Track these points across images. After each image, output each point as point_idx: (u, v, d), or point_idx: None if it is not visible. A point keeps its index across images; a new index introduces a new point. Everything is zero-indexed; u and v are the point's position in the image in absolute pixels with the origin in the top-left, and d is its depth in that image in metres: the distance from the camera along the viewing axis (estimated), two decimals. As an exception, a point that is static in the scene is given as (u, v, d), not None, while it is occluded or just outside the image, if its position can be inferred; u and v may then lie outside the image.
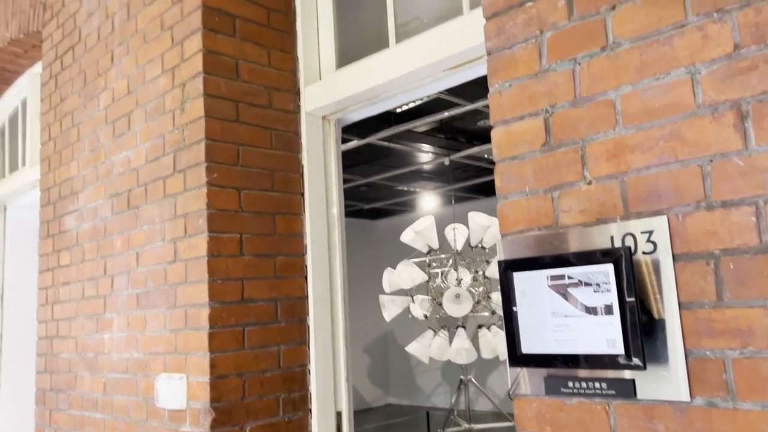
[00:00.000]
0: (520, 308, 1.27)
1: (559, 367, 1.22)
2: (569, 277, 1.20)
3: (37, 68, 3.92)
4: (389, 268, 6.41)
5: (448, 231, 6.52)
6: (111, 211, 2.46)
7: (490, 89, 1.40)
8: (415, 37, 2.00)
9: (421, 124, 6.11)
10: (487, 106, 1.42)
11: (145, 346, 2.17)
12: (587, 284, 1.17)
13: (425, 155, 7.45)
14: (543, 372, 1.25)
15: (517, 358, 1.28)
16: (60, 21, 2.98)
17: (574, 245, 1.22)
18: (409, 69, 1.97)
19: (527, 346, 1.26)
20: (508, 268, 1.29)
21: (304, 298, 2.20)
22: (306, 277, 2.21)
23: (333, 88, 2.23)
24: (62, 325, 2.73)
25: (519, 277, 1.27)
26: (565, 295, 1.20)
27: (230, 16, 2.15)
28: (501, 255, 1.35)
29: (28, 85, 3.97)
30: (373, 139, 6.44)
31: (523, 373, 1.29)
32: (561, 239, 1.25)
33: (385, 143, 6.74)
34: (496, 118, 1.38)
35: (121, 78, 2.47)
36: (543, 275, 1.23)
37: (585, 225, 1.22)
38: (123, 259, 2.35)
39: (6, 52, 3.66)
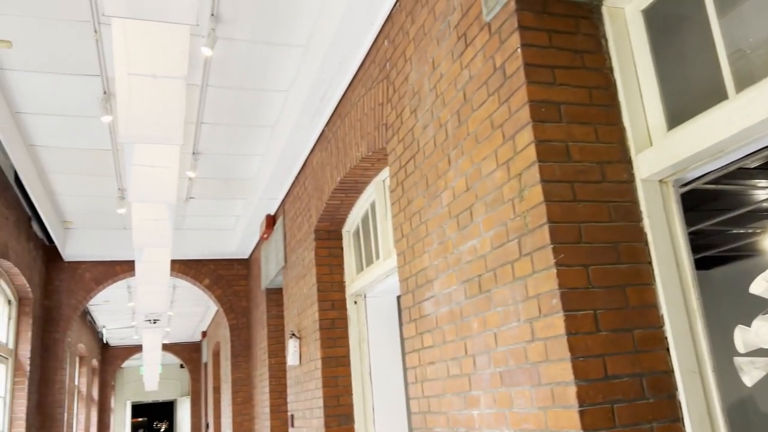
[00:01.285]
0: None
1: None
2: None
3: (381, 176, 4.62)
4: (741, 325, 5.64)
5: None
6: (464, 296, 2.72)
7: None
8: (759, 83, 1.87)
9: (753, 160, 5.42)
10: None
11: (515, 423, 2.30)
12: None
13: (762, 192, 6.54)
14: None
15: None
16: (400, 136, 3.50)
17: None
18: (757, 119, 1.84)
19: None
20: None
21: (670, 372, 2.11)
22: (668, 350, 2.13)
23: (667, 151, 2.18)
24: (432, 401, 3.06)
25: None
26: None
27: (554, 104, 2.30)
28: None
29: (375, 191, 4.69)
30: (697, 184, 5.92)
31: None
32: None
33: (712, 186, 6.13)
34: None
35: (459, 177, 2.79)
36: None
37: None
38: (481, 340, 2.57)
39: (358, 168, 4.40)
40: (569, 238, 2.16)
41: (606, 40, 2.43)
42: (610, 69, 2.40)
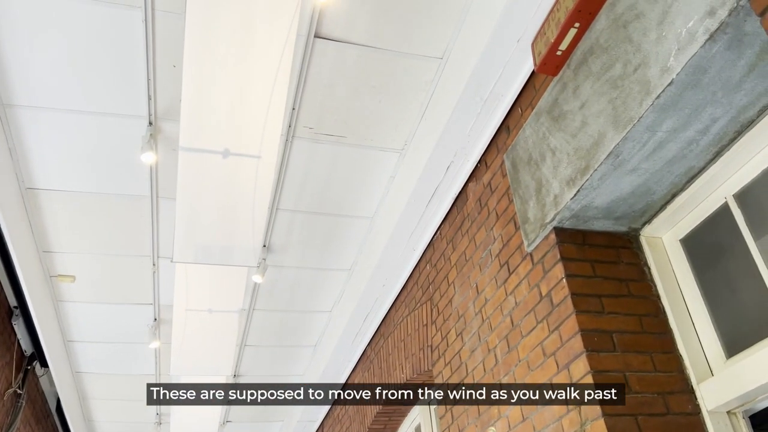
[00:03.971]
0: None
1: None
2: None
3: (426, 399, 4.48)
4: None
5: None
6: None
7: None
8: (815, 312, 1.86)
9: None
10: None
11: None
12: None
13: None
14: None
15: None
16: (447, 359, 3.47)
17: None
18: (822, 348, 1.80)
19: None
20: None
21: None
22: None
23: (731, 381, 2.11)
24: None
25: None
26: None
27: (606, 333, 2.29)
28: None
29: (419, 414, 4.52)
30: None
31: None
32: None
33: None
34: None
35: (514, 406, 2.69)
36: None
37: None
38: None
39: (404, 390, 4.31)
40: (642, 479, 2.01)
41: (649, 268, 2.50)
42: (658, 296, 2.43)
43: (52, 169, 3.57)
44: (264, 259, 4.31)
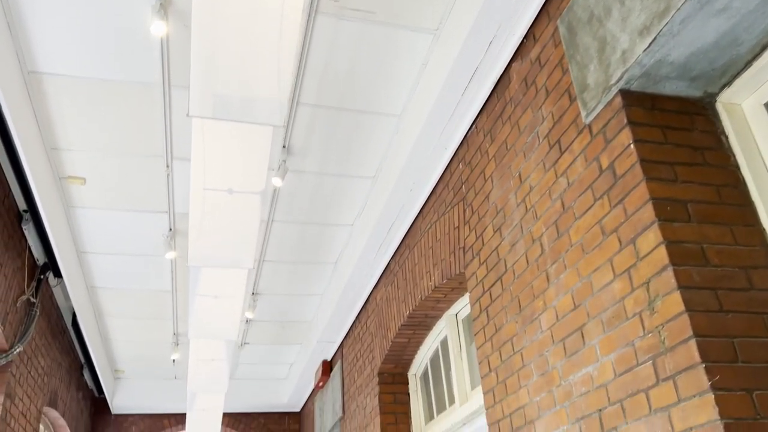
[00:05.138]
0: None
1: None
2: None
3: (453, 309, 4.28)
4: None
5: None
6: (580, 437, 2.27)
7: None
8: None
9: None
10: None
11: None
12: None
13: None
14: None
15: None
16: (482, 258, 3.24)
17: None
18: None
19: None
20: None
21: None
22: None
23: (829, 250, 1.84)
24: None
25: None
26: None
27: (680, 202, 2.02)
28: None
29: (447, 325, 4.33)
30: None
31: None
32: None
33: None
34: None
35: (563, 294, 2.46)
36: None
37: None
38: (611, 492, 2.08)
39: (430, 299, 4.10)
40: (723, 356, 1.77)
41: (726, 137, 2.20)
42: (737, 166, 2.14)
43: (55, 50, 3.28)
44: (284, 161, 4.05)
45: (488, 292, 3.14)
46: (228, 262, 3.00)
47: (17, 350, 4.28)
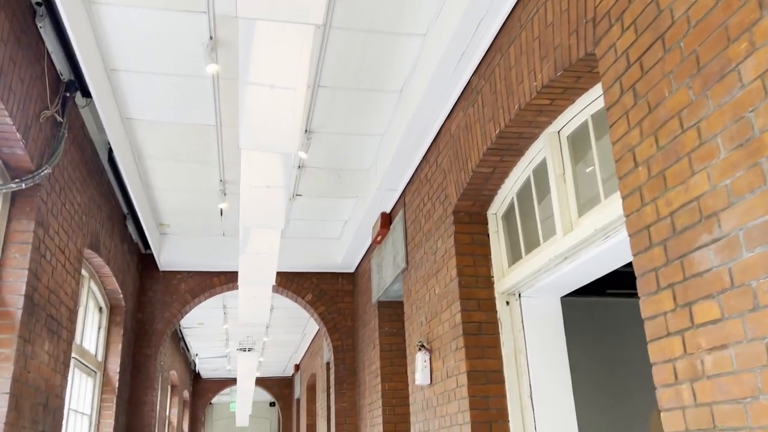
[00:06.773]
0: None
1: None
2: None
3: (556, 126, 3.50)
4: None
5: None
6: (820, 216, 1.53)
7: None
8: None
9: None
10: None
11: None
12: None
13: None
14: None
15: None
16: (626, 23, 2.40)
17: None
18: None
19: None
20: None
21: None
22: None
23: None
24: (721, 410, 1.84)
25: None
26: None
27: None
28: None
29: (547, 145, 3.56)
30: None
31: None
32: None
33: None
34: None
35: (796, 15, 1.63)
36: None
37: None
38: None
39: (530, 109, 3.31)
40: None
41: None
42: None
43: None
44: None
45: (638, 62, 2.32)
46: (291, 12, 2.22)
47: (44, 171, 3.72)
